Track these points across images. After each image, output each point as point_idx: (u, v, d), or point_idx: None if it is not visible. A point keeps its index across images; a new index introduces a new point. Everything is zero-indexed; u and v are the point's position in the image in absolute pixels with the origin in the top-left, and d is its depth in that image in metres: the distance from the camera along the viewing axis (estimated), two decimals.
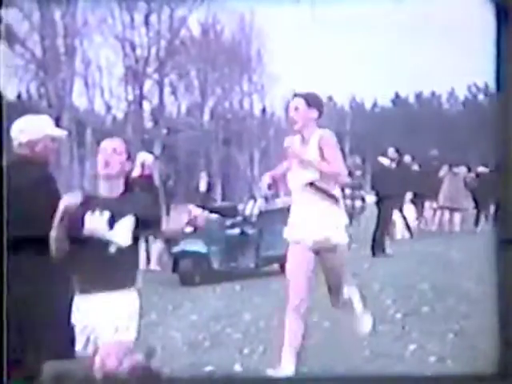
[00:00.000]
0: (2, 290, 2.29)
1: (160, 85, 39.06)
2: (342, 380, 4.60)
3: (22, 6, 33.57)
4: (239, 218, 12.54)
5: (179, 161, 37.97)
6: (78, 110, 37.61)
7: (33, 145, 4.71)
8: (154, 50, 38.10)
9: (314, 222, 5.40)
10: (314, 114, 5.50)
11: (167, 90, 40.24)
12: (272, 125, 44.40)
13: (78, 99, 38.59)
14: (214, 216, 12.52)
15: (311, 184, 5.38)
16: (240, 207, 13.34)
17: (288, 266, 5.49)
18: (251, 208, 12.70)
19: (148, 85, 38.84)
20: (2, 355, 2.33)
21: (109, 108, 39.70)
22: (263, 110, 44.34)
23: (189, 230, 12.06)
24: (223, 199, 35.09)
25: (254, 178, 41.04)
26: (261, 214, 12.47)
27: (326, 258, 5.43)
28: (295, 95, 5.57)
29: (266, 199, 12.77)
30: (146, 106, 39.49)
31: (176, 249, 12.02)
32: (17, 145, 4.71)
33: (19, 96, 41.34)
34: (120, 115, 39.86)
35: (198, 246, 11.86)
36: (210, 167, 40.13)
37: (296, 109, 5.47)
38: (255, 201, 13.07)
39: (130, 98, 38.41)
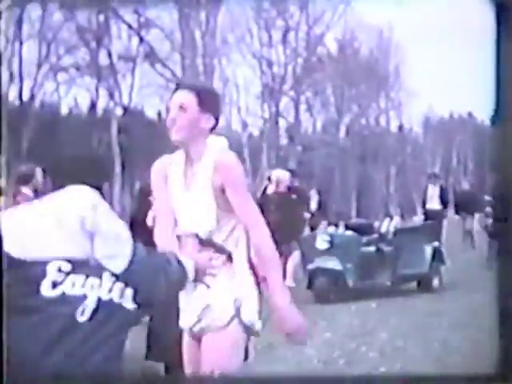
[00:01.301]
0: (2, 288, 2.30)
1: (296, 102, 39.27)
2: (342, 380, 4.47)
3: (163, 26, 34.59)
4: (375, 236, 12.38)
5: (314, 178, 37.98)
6: (215, 128, 38.28)
7: None
8: (290, 68, 38.39)
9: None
10: (209, 121, 3.61)
11: (303, 107, 40.44)
12: (409, 141, 43.81)
13: None
14: (350, 233, 12.41)
15: (199, 239, 3.41)
16: (376, 224, 13.17)
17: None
18: (387, 225, 12.51)
19: (284, 102, 39.16)
20: (2, 355, 2.32)
21: (245, 125, 40.24)
22: (400, 127, 43.83)
23: (324, 246, 12.00)
24: (358, 216, 34.83)
25: (390, 195, 40.56)
26: (397, 231, 12.29)
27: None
28: (180, 86, 3.62)
29: (403, 216, 12.57)
30: (282, 123, 39.79)
31: (311, 266, 11.97)
32: None
33: (159, 114, 42.53)
34: (256, 132, 40.35)
35: (333, 264, 11.76)
36: (345, 184, 40.01)
37: (181, 107, 3.52)
38: (391, 218, 12.90)
39: (266, 115, 38.82)
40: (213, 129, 3.64)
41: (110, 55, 34.75)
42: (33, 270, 2.32)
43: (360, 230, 12.52)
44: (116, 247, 2.51)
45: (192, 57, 34.65)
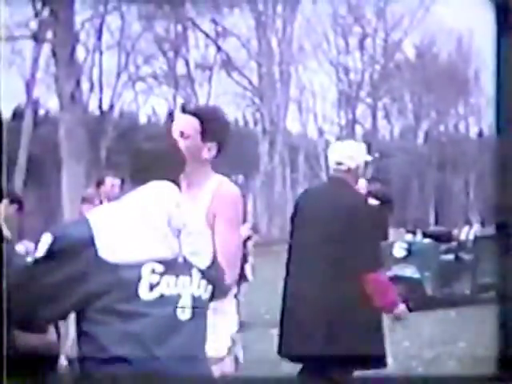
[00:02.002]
0: (2, 286, 2.29)
1: (373, 109, 39.04)
2: (342, 380, 4.40)
3: (240, 34, 34.82)
4: (454, 243, 12.18)
5: (392, 185, 37.65)
6: (292, 135, 38.34)
7: (354, 170, 4.83)
8: (367, 74, 38.19)
9: None
10: (212, 151, 3.36)
11: (380, 113, 40.18)
12: (489, 148, 43.05)
13: (292, 124, 39.42)
14: (428, 241, 12.25)
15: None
16: (455, 232, 12.97)
17: None
18: (467, 233, 12.31)
19: (361, 109, 38.97)
20: (2, 355, 2.31)
21: (321, 132, 40.16)
22: (480, 133, 43.11)
23: (402, 254, 11.86)
24: (437, 224, 34.37)
25: (470, 202, 39.91)
26: (477, 239, 12.07)
27: None
28: (184, 110, 3.43)
29: (483, 224, 12.36)
30: (359, 130, 39.60)
31: (388, 274, 11.84)
32: (336, 167, 4.84)
33: (236, 122, 42.81)
34: (332, 139, 40.20)
35: (411, 272, 11.62)
36: (423, 191, 39.56)
37: (183, 134, 3.22)
38: (471, 226, 12.69)
39: (343, 122, 38.68)
40: (215, 157, 3.38)
41: (187, 64, 35.15)
42: (128, 274, 2.33)
43: (439, 238, 12.35)
44: (200, 243, 2.52)
45: (268, 64, 34.77)
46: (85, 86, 31.04)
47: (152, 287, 2.36)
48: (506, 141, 3.03)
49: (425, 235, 12.61)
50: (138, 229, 2.38)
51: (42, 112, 36.20)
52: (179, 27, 34.15)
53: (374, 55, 38.15)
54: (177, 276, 2.41)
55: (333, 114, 38.99)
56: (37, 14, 24.85)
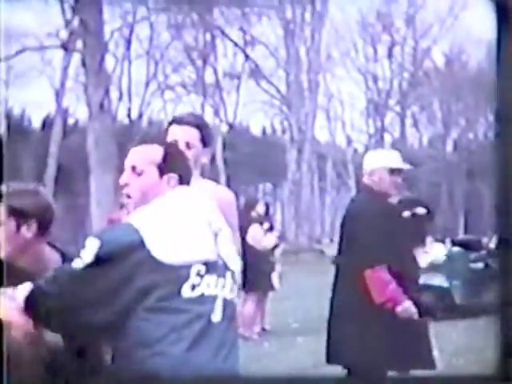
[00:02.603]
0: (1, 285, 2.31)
1: (402, 117, 38.90)
2: (342, 380, 4.33)
3: (268, 43, 34.88)
4: (483, 252, 12.09)
5: (420, 193, 37.45)
6: (320, 144, 38.30)
7: (375, 177, 4.81)
8: (396, 83, 38.08)
9: None
10: (208, 156, 3.50)
11: (409, 121, 40.01)
12: None
13: (320, 132, 39.41)
14: (458, 249, 12.17)
15: None
16: (484, 240, 12.87)
17: None
18: (496, 241, 12.22)
19: (389, 117, 38.84)
20: (2, 355, 2.32)
21: (350, 141, 40.09)
22: None
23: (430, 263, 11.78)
24: (466, 232, 34.13)
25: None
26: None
27: None
28: (181, 121, 3.44)
29: None
30: (388, 138, 39.47)
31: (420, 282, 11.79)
32: (369, 176, 4.83)
33: (264, 130, 42.84)
34: (361, 148, 40.12)
35: (440, 280, 11.54)
36: (452, 200, 39.32)
37: (188, 145, 3.34)
38: None
39: (372, 130, 38.58)
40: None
41: (215, 73, 35.28)
42: (178, 274, 2.40)
43: (468, 246, 12.27)
44: (233, 247, 2.60)
45: (296, 73, 34.78)
46: (114, 95, 31.27)
47: (194, 287, 2.42)
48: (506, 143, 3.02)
49: (454, 244, 12.53)
50: (185, 231, 2.45)
51: (71, 121, 36.52)
52: (208, 36, 34.30)
53: (402, 63, 38.02)
54: (217, 277, 2.48)
55: (361, 123, 38.92)
56: (67, 24, 25.09)
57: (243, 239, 9.92)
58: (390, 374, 4.73)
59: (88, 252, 2.39)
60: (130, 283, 2.37)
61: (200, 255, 2.45)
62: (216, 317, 2.46)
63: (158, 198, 2.55)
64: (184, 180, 2.65)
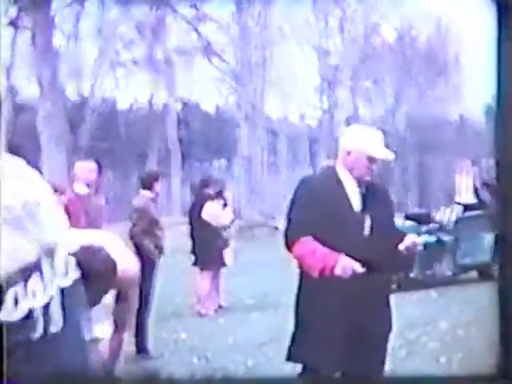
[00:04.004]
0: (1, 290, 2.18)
1: (354, 92, 39.09)
2: (341, 380, 4.41)
3: (220, 19, 34.69)
4: (435, 225, 12.26)
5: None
6: (272, 120, 38.31)
7: (350, 157, 4.47)
8: (348, 58, 38.19)
9: None
10: None
11: (361, 97, 40.21)
12: (469, 130, 43.23)
13: (272, 109, 39.40)
14: (409, 223, 12.31)
15: None
16: (435, 214, 13.04)
17: None
18: (447, 214, 12.38)
19: (342, 92, 38.98)
20: (2, 355, 2.28)
21: (302, 117, 40.17)
22: (461, 116, 43.27)
23: None
24: (420, 207, 34.52)
25: (451, 184, 40.08)
26: (457, 220, 12.15)
27: None
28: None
29: (465, 206, 12.42)
30: (340, 113, 39.62)
31: None
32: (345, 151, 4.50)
33: (217, 108, 42.74)
34: (314, 124, 40.24)
35: None
36: (404, 174, 39.72)
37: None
38: (452, 208, 12.76)
39: (325, 106, 38.70)
40: None
41: (166, 50, 35.03)
42: None
43: (419, 220, 12.42)
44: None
45: (247, 49, 34.69)
46: (64, 72, 30.84)
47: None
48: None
49: (406, 218, 12.67)
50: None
51: (21, 100, 35.97)
52: (159, 12, 34.00)
53: (354, 38, 38.12)
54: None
55: (314, 98, 38.96)
56: (15, 1, 24.67)
57: (199, 217, 9.97)
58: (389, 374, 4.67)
59: None
60: None
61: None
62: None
63: None
64: None
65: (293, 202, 4.43)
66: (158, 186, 7.94)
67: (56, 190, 6.68)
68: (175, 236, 14.59)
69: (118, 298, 3.92)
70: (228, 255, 10.15)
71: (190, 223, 10.17)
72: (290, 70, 37.59)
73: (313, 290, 4.32)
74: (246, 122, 34.03)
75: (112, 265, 3.58)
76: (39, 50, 19.47)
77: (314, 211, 4.27)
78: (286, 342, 4.46)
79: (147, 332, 7.32)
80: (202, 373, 5.89)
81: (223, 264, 10.15)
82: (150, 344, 7.40)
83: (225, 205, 10.21)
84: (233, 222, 10.44)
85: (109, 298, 3.85)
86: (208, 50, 35.02)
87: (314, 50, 38.07)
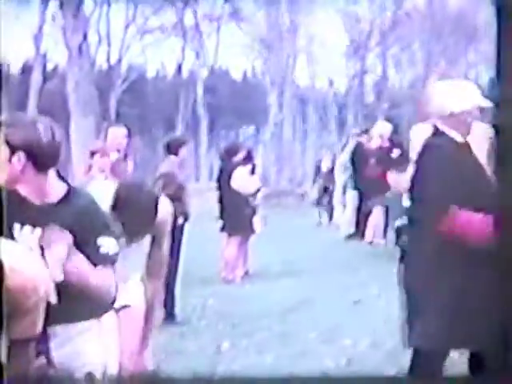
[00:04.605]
0: (2, 281, 2.28)
1: (383, 58, 38.73)
2: (341, 380, 4.35)
3: None
4: None
5: (402, 134, 37.48)
6: (299, 87, 38.11)
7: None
8: (377, 23, 37.79)
9: None
10: None
11: (390, 62, 39.84)
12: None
13: (300, 75, 39.17)
14: None
15: None
16: None
17: None
18: None
19: (370, 59, 38.64)
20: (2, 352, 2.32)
21: (331, 83, 39.90)
22: (490, 81, 42.73)
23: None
24: None
25: None
26: None
27: None
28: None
29: None
30: (368, 80, 39.31)
31: (398, 222, 11.79)
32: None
33: (245, 74, 42.57)
34: (342, 90, 39.97)
35: None
36: None
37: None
38: None
39: (352, 72, 38.39)
40: None
41: (195, 16, 34.88)
42: None
43: None
44: None
45: (276, 15, 34.44)
46: (93, 39, 30.87)
47: None
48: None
49: None
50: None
51: (50, 66, 36.08)
52: None
53: (383, 3, 37.69)
54: None
55: (342, 65, 38.65)
56: None
57: (228, 184, 9.97)
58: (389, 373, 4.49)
59: None
60: None
61: None
62: None
63: None
64: None
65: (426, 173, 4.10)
66: (185, 152, 7.91)
67: (93, 153, 6.69)
68: (202, 202, 14.65)
69: (153, 243, 4.05)
70: (257, 222, 10.15)
71: (219, 189, 10.16)
72: (319, 37, 37.33)
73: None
74: (274, 89, 33.88)
75: (154, 204, 3.72)
76: (68, 17, 19.48)
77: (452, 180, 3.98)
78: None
79: (175, 298, 7.37)
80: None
81: (252, 231, 10.16)
82: (177, 310, 7.46)
83: (252, 172, 10.19)
84: (259, 189, 10.44)
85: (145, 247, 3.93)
86: (236, 16, 34.84)
87: (343, 16, 37.72)
